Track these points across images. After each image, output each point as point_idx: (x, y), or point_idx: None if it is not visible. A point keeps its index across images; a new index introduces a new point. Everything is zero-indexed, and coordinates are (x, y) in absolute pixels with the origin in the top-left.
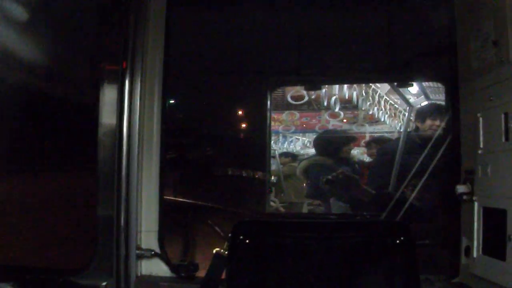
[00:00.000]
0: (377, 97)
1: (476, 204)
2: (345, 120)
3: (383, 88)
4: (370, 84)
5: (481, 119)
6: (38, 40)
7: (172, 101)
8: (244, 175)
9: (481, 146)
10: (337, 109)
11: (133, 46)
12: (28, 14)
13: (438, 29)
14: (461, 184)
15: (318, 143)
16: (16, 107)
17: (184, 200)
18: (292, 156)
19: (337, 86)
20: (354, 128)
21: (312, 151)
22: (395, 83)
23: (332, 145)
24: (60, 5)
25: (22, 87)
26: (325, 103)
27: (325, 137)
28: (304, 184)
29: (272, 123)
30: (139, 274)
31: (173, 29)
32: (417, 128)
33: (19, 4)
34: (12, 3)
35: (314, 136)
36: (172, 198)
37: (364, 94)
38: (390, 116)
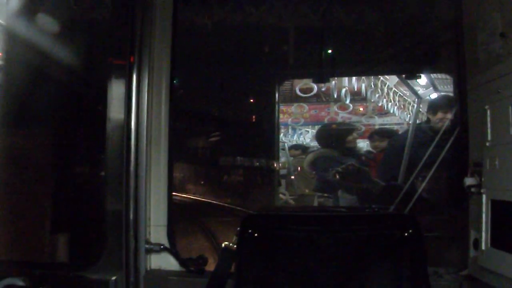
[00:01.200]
0: (386, 89)
1: (484, 196)
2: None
3: (391, 80)
4: (379, 76)
5: (488, 111)
6: (45, 36)
7: (180, 95)
8: (253, 167)
9: (489, 138)
10: (347, 101)
11: (141, 40)
12: (35, 9)
13: (446, 21)
14: (469, 177)
15: (320, 136)
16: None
17: (189, 196)
18: (301, 149)
19: (346, 79)
20: (364, 120)
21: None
22: (404, 75)
23: (334, 137)
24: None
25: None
26: (335, 95)
27: (327, 130)
28: (312, 177)
29: (281, 116)
30: (148, 268)
31: (181, 22)
32: (428, 120)
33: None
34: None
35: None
36: (180, 193)
37: (373, 86)
38: (399, 108)
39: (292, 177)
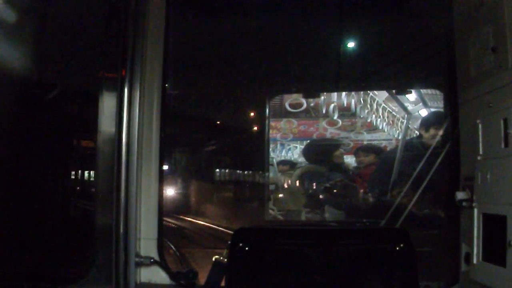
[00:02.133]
0: (375, 105)
1: (475, 210)
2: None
3: (381, 95)
4: (368, 92)
5: (480, 125)
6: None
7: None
8: (243, 183)
9: (481, 152)
10: (335, 117)
11: (132, 54)
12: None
13: (437, 36)
14: (461, 191)
15: (307, 152)
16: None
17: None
18: (290, 164)
19: (335, 94)
20: (352, 136)
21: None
22: (394, 91)
23: (321, 153)
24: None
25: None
26: (324, 111)
27: (314, 146)
28: (300, 192)
29: (270, 131)
30: (138, 282)
31: (172, 37)
32: (421, 136)
33: (18, 12)
34: (11, 12)
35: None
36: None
37: (362, 101)
38: (388, 124)
39: (281, 192)
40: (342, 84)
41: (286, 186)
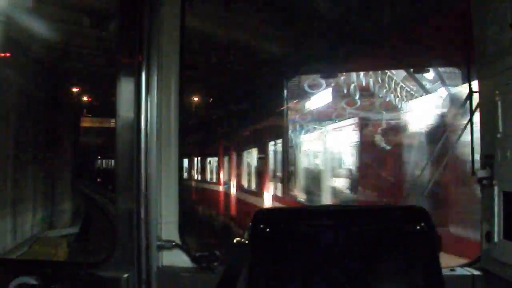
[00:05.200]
0: (393, 84)
1: (496, 188)
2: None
3: (398, 74)
4: (386, 71)
5: (499, 103)
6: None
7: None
8: (263, 165)
9: (500, 130)
10: (357, 97)
11: (149, 39)
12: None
13: (454, 14)
14: (481, 169)
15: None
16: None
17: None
18: (309, 146)
19: (354, 74)
20: (371, 116)
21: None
22: (412, 69)
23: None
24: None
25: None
26: (344, 91)
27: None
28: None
29: (289, 112)
30: (160, 265)
31: (189, 21)
32: (440, 115)
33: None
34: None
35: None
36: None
37: (380, 81)
38: (406, 103)
39: (300, 174)
40: (360, 63)
41: (305, 167)
